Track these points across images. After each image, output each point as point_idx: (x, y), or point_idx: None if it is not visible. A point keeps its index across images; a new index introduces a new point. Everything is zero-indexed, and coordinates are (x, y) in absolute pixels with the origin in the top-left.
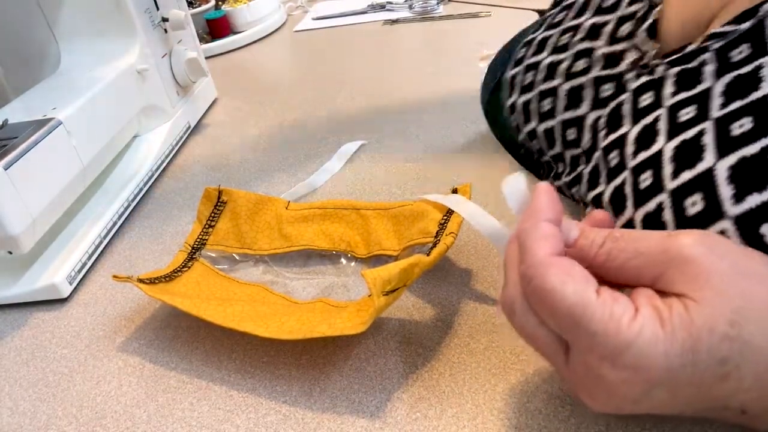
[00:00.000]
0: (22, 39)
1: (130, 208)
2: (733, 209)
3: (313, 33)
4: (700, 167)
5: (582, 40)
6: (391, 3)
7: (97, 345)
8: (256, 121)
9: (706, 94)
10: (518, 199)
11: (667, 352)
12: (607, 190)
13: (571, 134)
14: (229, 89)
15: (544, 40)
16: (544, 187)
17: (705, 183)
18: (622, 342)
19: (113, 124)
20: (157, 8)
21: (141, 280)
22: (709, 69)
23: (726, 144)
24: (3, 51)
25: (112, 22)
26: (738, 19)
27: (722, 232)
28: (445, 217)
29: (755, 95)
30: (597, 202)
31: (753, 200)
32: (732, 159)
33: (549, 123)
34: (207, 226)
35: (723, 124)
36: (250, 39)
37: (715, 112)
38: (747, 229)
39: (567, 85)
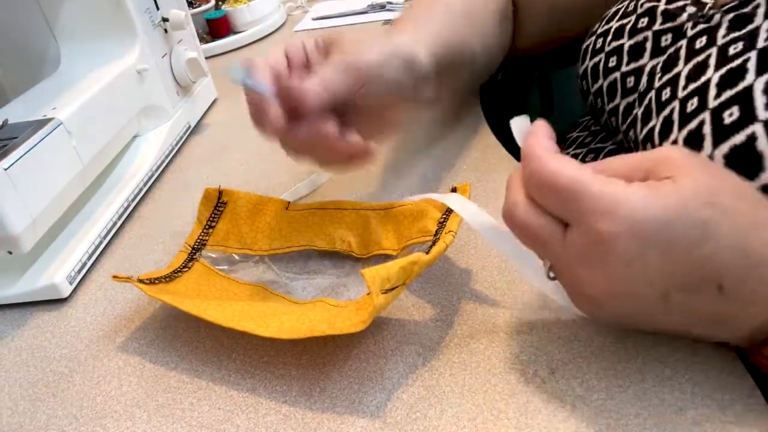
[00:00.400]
0: (22, 39)
1: (130, 208)
2: (765, 114)
3: (313, 33)
4: (741, 86)
5: (646, 3)
6: (391, 3)
7: (97, 345)
8: None
9: (755, 31)
10: (525, 136)
11: (659, 206)
12: (657, 122)
13: (630, 82)
14: (229, 89)
15: (616, 12)
16: (541, 120)
17: (743, 97)
18: (618, 198)
19: (113, 124)
20: (157, 8)
21: (141, 281)
22: (761, 11)
23: (766, 64)
24: (3, 51)
25: (112, 22)
26: None
27: (752, 135)
28: (444, 216)
29: None
30: (649, 137)
31: None
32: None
33: (613, 76)
34: (207, 227)
35: (766, 51)
36: (251, 39)
37: (761, 43)
38: None
39: (631, 41)
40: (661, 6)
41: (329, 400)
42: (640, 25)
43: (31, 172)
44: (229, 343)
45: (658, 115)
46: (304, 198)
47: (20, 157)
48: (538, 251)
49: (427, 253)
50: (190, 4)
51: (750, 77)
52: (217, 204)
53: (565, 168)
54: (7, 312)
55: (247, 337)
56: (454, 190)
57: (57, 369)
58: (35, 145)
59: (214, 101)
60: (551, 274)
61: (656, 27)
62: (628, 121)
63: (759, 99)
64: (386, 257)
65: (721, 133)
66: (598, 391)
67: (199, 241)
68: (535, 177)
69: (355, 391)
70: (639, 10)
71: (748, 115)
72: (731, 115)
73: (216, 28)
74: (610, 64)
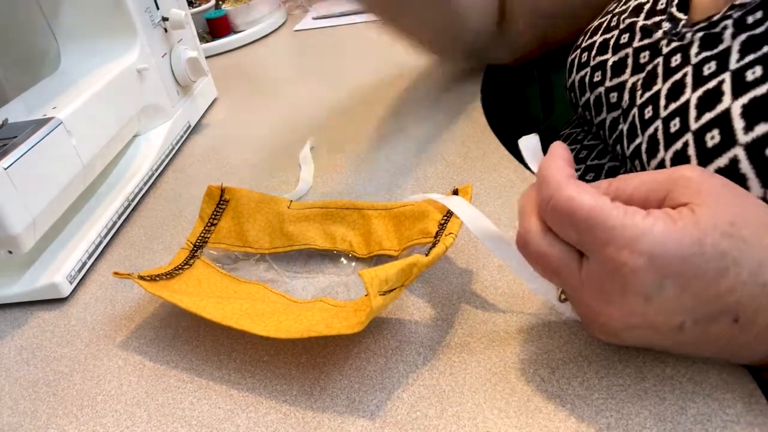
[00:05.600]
0: (22, 39)
1: (130, 208)
2: (744, 137)
3: (314, 32)
4: (719, 108)
5: (626, 17)
6: None
7: (98, 344)
8: (256, 121)
9: (726, 51)
10: (534, 156)
11: (679, 239)
12: (643, 140)
13: (613, 97)
14: (229, 89)
15: (599, 26)
16: (558, 142)
17: (722, 120)
18: (639, 230)
19: (113, 123)
20: (157, 7)
21: (141, 277)
22: (729, 32)
23: (740, 87)
24: (3, 50)
25: (112, 21)
26: None
27: (734, 158)
28: (445, 218)
29: (766, 48)
30: (637, 154)
31: (760, 129)
32: (745, 99)
33: (598, 90)
34: (209, 224)
35: (739, 73)
36: (251, 38)
37: (733, 64)
38: (755, 153)
39: (615, 57)
40: (640, 21)
41: (329, 399)
42: (622, 41)
43: (31, 171)
44: (229, 342)
45: (643, 132)
46: (305, 197)
47: (20, 157)
48: (552, 280)
49: (426, 254)
50: (190, 4)
51: (727, 100)
52: (219, 201)
53: (583, 196)
54: (7, 311)
55: (247, 336)
56: (455, 191)
57: (57, 368)
58: (35, 145)
59: (214, 101)
60: (563, 297)
61: (636, 44)
62: (615, 135)
63: (737, 122)
64: (387, 258)
65: (706, 156)
66: (599, 390)
67: (200, 238)
68: (551, 204)
69: (355, 390)
70: (621, 26)
71: (729, 139)
72: (713, 138)
73: (216, 27)
74: (595, 79)
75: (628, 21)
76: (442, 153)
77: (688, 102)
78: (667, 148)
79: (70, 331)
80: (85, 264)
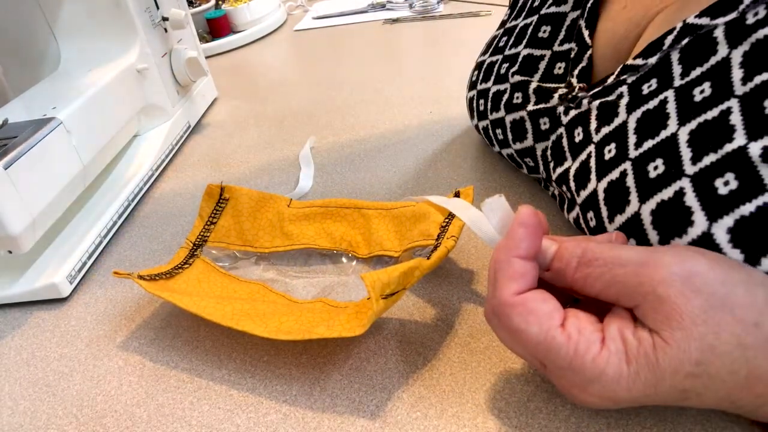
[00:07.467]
0: (22, 39)
1: (130, 208)
2: (656, 237)
3: (313, 32)
4: (629, 211)
5: (517, 72)
6: (391, 2)
7: (98, 344)
8: (256, 121)
9: (623, 129)
10: (500, 219)
11: (630, 387)
12: (570, 217)
13: (529, 162)
14: (229, 89)
15: (491, 66)
16: (524, 217)
17: (635, 227)
18: (587, 377)
19: (113, 123)
20: (157, 7)
21: (141, 277)
22: (624, 102)
23: (645, 188)
24: (3, 51)
25: (112, 21)
26: (646, 52)
27: None
28: (446, 220)
29: (663, 134)
30: (574, 221)
31: (675, 244)
32: (652, 204)
33: (507, 150)
34: (209, 223)
35: (640, 165)
36: (251, 38)
37: (632, 151)
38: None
39: (510, 117)
40: (534, 84)
41: (329, 399)
42: (515, 101)
43: (31, 171)
44: (229, 342)
45: (568, 212)
46: (305, 196)
47: (20, 157)
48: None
49: (428, 257)
50: (190, 4)
51: (634, 202)
52: (219, 200)
53: (530, 330)
54: (7, 312)
55: (247, 336)
56: (457, 193)
57: (57, 368)
58: (35, 145)
59: (214, 100)
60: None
61: (530, 107)
62: (550, 192)
63: (651, 234)
64: (387, 258)
65: None
66: None
67: (200, 237)
68: (500, 323)
69: (355, 390)
70: (511, 80)
71: (642, 241)
72: (633, 243)
73: (216, 27)
74: (499, 137)
75: (518, 78)
76: (441, 153)
77: (596, 193)
78: (592, 234)
79: (69, 331)
80: (85, 264)
